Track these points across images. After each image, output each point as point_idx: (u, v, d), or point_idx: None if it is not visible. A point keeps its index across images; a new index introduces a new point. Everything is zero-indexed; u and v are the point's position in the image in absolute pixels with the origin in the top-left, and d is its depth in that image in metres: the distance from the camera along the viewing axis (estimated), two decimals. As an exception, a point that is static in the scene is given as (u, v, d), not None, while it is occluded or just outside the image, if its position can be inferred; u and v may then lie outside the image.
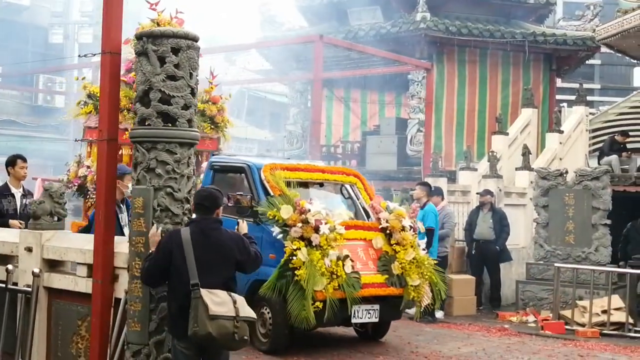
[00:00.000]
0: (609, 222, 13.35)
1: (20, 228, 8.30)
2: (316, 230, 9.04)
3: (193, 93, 5.99)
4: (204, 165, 11.63)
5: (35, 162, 25.50)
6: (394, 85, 22.78)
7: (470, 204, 16.02)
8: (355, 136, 23.58)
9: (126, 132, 10.58)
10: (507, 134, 19.10)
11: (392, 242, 9.96)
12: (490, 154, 17.14)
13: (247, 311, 5.65)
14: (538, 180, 14.16)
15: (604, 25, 18.38)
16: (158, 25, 10.94)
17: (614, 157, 17.27)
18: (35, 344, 6.88)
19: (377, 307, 9.63)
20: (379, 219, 10.23)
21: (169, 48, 5.87)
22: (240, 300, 5.66)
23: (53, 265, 7.07)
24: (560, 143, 18.75)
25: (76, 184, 11.18)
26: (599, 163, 17.20)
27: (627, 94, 31.49)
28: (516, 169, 17.43)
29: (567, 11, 42.03)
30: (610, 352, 10.72)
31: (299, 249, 8.87)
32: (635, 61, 21.57)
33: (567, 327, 12.15)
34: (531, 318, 12.98)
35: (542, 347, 10.87)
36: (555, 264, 12.93)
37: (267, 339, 9.43)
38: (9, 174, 9.34)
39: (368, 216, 10.58)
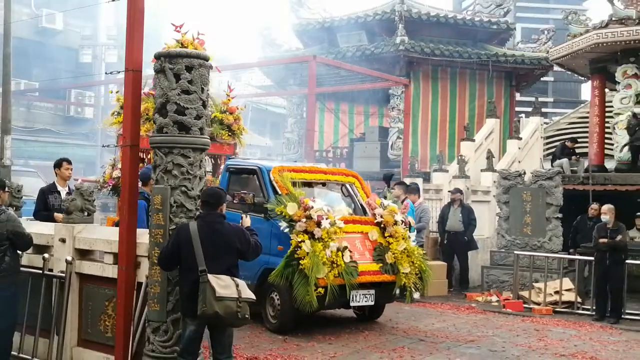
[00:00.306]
0: (560, 215, 13.36)
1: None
2: (318, 224, 9.00)
3: (204, 105, 5.99)
4: (222, 167, 11.54)
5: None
6: (377, 99, 22.78)
7: (442, 200, 16.02)
8: (344, 142, 23.56)
9: None
10: (473, 140, 19.10)
11: (386, 234, 9.90)
12: (459, 157, 17.14)
13: (247, 293, 5.72)
14: (500, 180, 14.16)
15: (556, 48, 18.39)
16: (182, 45, 11.00)
17: (564, 160, 17.28)
18: (68, 323, 6.87)
19: (372, 292, 9.56)
20: (374, 215, 10.15)
21: (183, 66, 5.88)
22: (242, 284, 5.74)
23: (83, 254, 7.06)
24: (519, 148, 18.78)
25: (111, 184, 11.03)
26: (552, 165, 17.21)
27: (576, 106, 31.64)
28: (481, 170, 17.42)
29: (524, 35, 42.13)
30: (562, 327, 10.73)
31: (303, 241, 8.83)
32: (583, 78, 21.59)
33: (525, 305, 12.15)
34: (494, 298, 12.98)
35: (504, 323, 10.87)
36: (515, 252, 12.93)
37: (276, 320, 9.39)
38: (55, 174, 9.37)
39: (365, 212, 10.44)
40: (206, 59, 6.03)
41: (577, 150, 18.39)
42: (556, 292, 12.13)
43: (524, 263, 12.77)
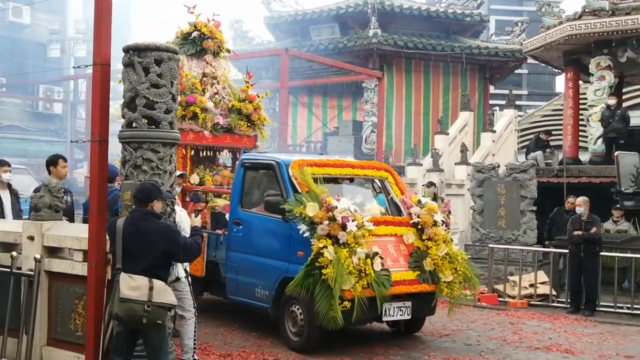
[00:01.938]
0: (534, 208, 13.47)
1: None
2: (343, 227, 7.81)
3: (174, 99, 5.96)
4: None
5: (36, 161, 25.18)
6: (351, 92, 22.85)
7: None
8: (317, 136, 23.60)
9: None
10: (447, 133, 19.22)
11: (424, 237, 8.66)
12: (433, 151, 17.24)
13: (163, 297, 5.38)
14: (474, 174, 14.24)
15: (530, 40, 18.51)
16: (196, 28, 10.85)
17: (539, 153, 17.42)
18: (37, 321, 6.80)
19: (409, 304, 8.35)
20: (410, 214, 8.91)
21: (152, 60, 5.83)
22: (160, 287, 5.40)
23: (52, 251, 6.99)
24: (493, 141, 18.91)
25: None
26: (526, 158, 17.34)
27: (550, 99, 31.95)
28: (456, 163, 17.53)
29: (498, 27, 42.41)
30: (537, 319, 10.83)
31: (326, 247, 7.65)
32: (557, 70, 21.78)
33: (500, 299, 12.23)
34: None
35: (478, 317, 10.95)
36: (490, 245, 13.01)
37: (299, 337, 8.22)
38: (49, 172, 8.69)
39: (399, 212, 9.18)
40: (175, 52, 5.99)
41: (552, 143, 18.55)
42: (531, 285, 12.23)
43: (499, 256, 12.85)
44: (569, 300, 11.73)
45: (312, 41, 22.84)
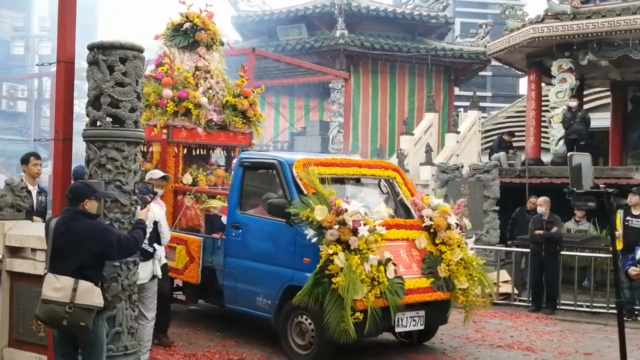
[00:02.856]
0: (497, 208, 13.62)
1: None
2: (354, 232, 7.20)
3: (139, 98, 5.90)
4: (235, 161, 10.02)
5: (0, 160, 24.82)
6: (318, 93, 22.87)
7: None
8: (285, 137, 23.57)
9: (155, 128, 9.51)
10: (413, 134, 19.33)
11: (437, 241, 8.05)
12: (399, 151, 17.34)
13: (87, 299, 5.18)
14: (439, 174, 14.35)
15: (494, 42, 18.69)
16: (188, 19, 10.21)
17: (502, 154, 17.59)
18: (-2, 322, 6.71)
19: (422, 313, 7.79)
20: (421, 217, 8.29)
21: (117, 58, 5.76)
22: (85, 288, 5.18)
23: (14, 251, 6.90)
24: (457, 142, 19.06)
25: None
26: (489, 159, 17.51)
27: (514, 101, 32.33)
28: (421, 164, 17.62)
29: (463, 29, 42.77)
30: (499, 318, 10.93)
31: (336, 253, 7.06)
32: (520, 73, 22.03)
33: (463, 297, 12.31)
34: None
35: (442, 315, 11.00)
36: (454, 245, 13.08)
37: (307, 350, 7.62)
38: (23, 171, 8.43)
39: (409, 214, 8.58)
40: (140, 50, 5.92)
41: (514, 144, 18.77)
42: (494, 284, 12.34)
43: (463, 255, 12.92)
44: (530, 299, 11.86)
45: (280, 41, 22.83)
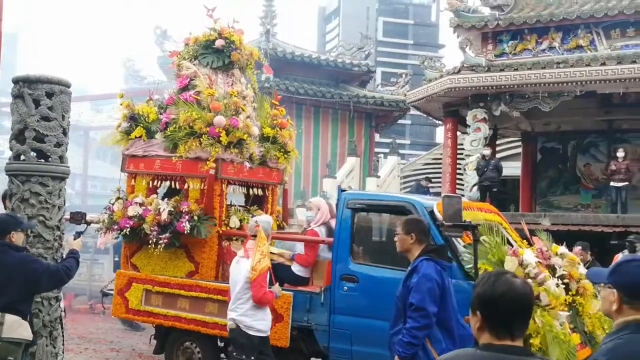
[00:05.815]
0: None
1: None
2: (540, 285, 6.19)
3: (65, 133, 5.82)
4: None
5: None
6: (242, 135, 22.84)
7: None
8: (208, 177, 23.39)
9: (207, 162, 7.88)
10: (335, 177, 19.54)
11: (571, 292, 6.90)
12: (321, 194, 17.44)
13: (15, 333, 5.05)
14: (360, 216, 14.45)
15: (413, 91, 19.06)
16: (219, 35, 8.76)
17: (420, 198, 17.85)
18: None
19: None
20: (547, 267, 6.95)
21: (43, 92, 5.69)
22: (12, 322, 5.05)
23: None
24: (378, 186, 19.37)
25: (128, 225, 7.88)
26: (408, 203, 17.75)
27: (431, 148, 33.01)
28: (342, 206, 17.74)
29: (384, 78, 43.78)
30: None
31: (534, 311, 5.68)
32: (437, 121, 22.59)
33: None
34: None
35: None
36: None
37: None
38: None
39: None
40: (67, 85, 5.85)
41: (432, 189, 19.13)
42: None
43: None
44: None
45: (205, 83, 22.80)
